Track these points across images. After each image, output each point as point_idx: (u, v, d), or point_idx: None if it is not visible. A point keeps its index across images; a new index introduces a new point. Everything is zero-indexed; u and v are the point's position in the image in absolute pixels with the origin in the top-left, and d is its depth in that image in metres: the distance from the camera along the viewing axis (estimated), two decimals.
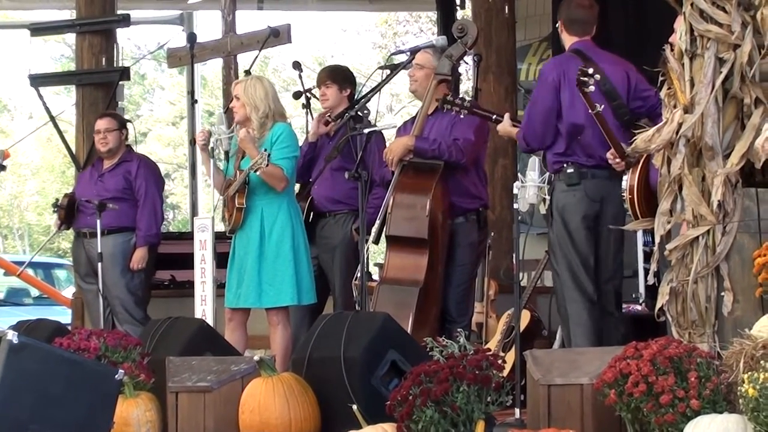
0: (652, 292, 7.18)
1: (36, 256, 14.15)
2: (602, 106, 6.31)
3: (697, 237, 5.36)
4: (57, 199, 9.37)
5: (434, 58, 7.41)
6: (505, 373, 5.50)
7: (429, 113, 7.37)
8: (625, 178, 6.17)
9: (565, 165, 6.64)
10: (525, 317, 7.64)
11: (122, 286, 8.82)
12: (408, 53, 7.49)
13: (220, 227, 7.86)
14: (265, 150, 7.02)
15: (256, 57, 9.95)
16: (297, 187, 7.84)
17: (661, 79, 5.63)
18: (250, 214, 7.24)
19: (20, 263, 14.15)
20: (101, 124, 9.07)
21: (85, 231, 8.89)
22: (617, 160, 6.32)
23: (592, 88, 6.17)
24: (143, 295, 8.92)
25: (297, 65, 9.39)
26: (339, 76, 8.07)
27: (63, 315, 10.89)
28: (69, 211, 9.03)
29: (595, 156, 6.60)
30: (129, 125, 9.22)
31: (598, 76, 6.19)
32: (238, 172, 7.29)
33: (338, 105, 7.96)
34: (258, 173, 7.05)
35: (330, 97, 8.00)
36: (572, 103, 6.60)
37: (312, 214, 7.96)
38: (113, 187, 8.92)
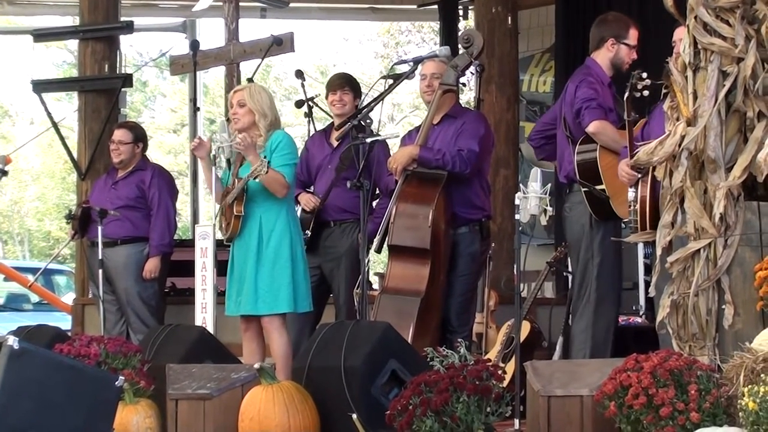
0: (652, 304, 7.20)
1: (36, 262, 14.18)
2: (636, 116, 6.31)
3: (699, 250, 5.36)
4: (70, 210, 9.38)
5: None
6: (505, 383, 5.50)
7: (434, 123, 7.37)
8: (632, 189, 6.16)
9: None
10: (525, 328, 7.65)
11: (135, 296, 8.84)
12: (411, 63, 7.47)
13: (221, 235, 7.85)
14: (265, 157, 7.00)
15: (259, 65, 9.94)
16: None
17: (664, 91, 5.65)
18: (248, 221, 7.15)
19: (19, 269, 14.16)
20: (116, 134, 9.07)
21: (97, 241, 8.80)
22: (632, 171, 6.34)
23: (645, 92, 6.14)
24: (157, 305, 8.93)
25: (300, 74, 9.42)
26: (356, 86, 8.12)
27: (63, 321, 10.88)
28: (83, 221, 9.02)
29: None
30: (144, 136, 9.23)
31: (648, 81, 6.15)
32: (236, 180, 7.24)
33: (348, 113, 7.98)
34: (258, 180, 7.02)
35: (348, 103, 8.02)
36: None
37: (315, 224, 7.96)
38: (125, 196, 8.91)
